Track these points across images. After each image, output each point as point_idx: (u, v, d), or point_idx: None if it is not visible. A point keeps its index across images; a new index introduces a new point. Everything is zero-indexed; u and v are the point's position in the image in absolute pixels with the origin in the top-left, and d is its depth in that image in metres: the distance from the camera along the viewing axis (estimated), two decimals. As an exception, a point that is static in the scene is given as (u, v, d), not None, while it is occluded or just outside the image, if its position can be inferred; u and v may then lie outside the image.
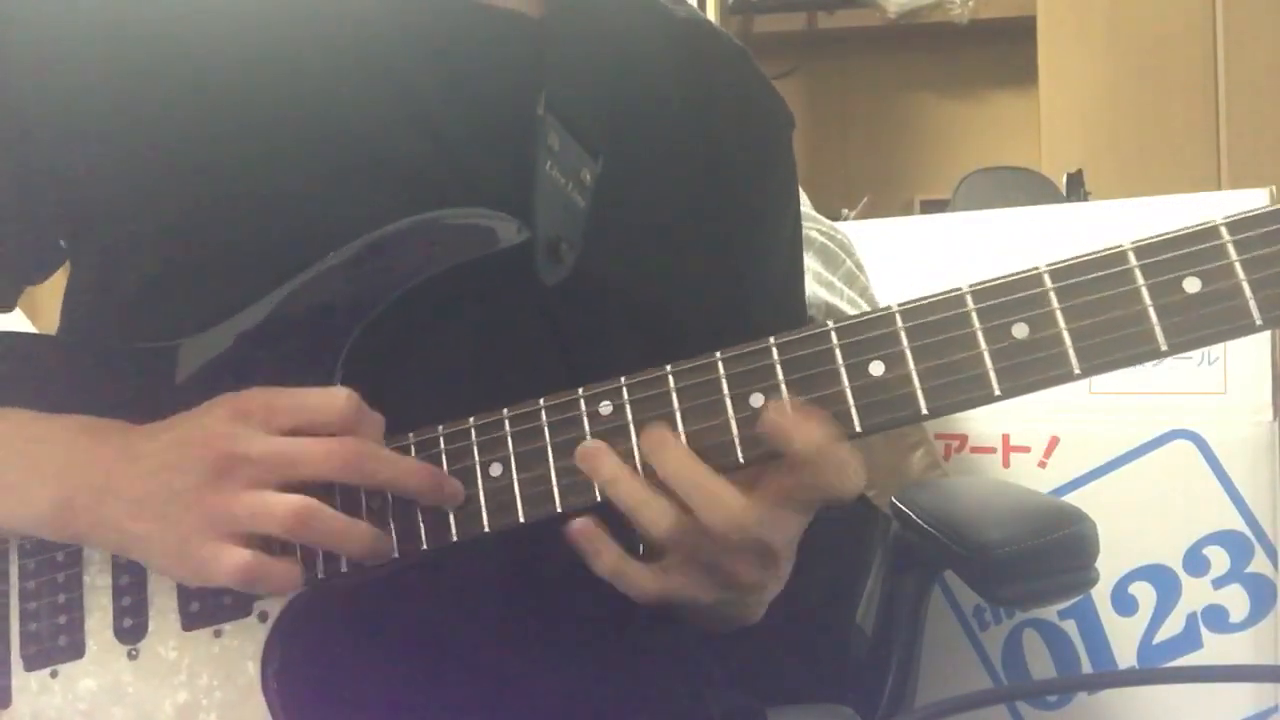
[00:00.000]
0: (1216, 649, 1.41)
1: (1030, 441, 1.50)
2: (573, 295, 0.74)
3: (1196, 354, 1.42)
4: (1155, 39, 2.65)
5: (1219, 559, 1.41)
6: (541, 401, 0.65)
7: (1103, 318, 0.56)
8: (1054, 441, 1.48)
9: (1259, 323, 0.54)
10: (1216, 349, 1.41)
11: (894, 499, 1.25)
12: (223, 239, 0.72)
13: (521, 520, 0.64)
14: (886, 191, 2.87)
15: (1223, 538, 1.41)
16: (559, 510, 0.63)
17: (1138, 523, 1.43)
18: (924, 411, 0.59)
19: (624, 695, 0.78)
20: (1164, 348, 0.55)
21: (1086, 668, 1.46)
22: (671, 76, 0.84)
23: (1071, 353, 0.56)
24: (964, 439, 1.53)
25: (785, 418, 0.60)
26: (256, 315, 0.71)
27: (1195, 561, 1.42)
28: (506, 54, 0.77)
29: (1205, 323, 0.54)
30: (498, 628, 0.73)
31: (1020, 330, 0.57)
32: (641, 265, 0.78)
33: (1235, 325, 0.54)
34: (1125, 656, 1.45)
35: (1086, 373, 0.56)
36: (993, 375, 0.57)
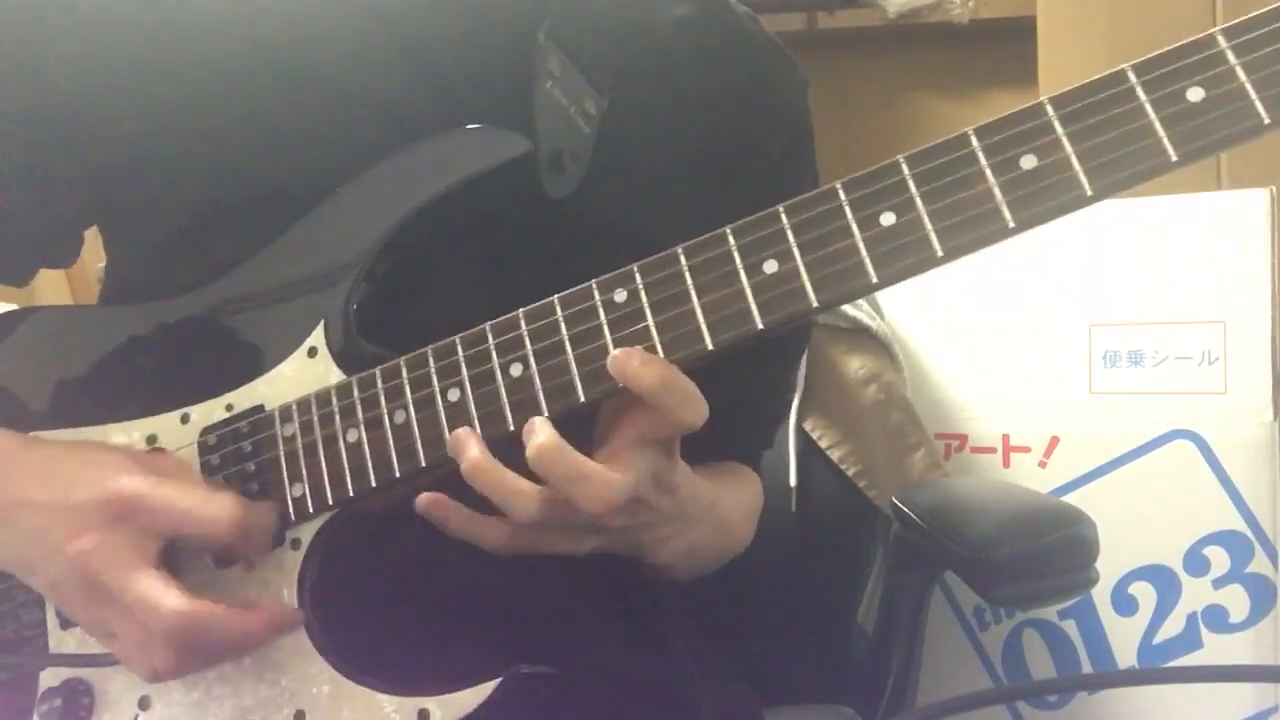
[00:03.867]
0: (1216, 649, 1.40)
1: (1030, 441, 1.50)
2: (579, 222, 0.74)
3: (1197, 354, 1.42)
4: (1155, 39, 2.64)
5: (1219, 559, 1.41)
6: (555, 297, 0.65)
7: (1110, 136, 0.56)
8: (1054, 441, 1.48)
9: (1267, 121, 0.54)
10: (1217, 350, 1.41)
11: (894, 499, 1.25)
12: (228, 190, 0.73)
13: (546, 415, 0.63)
14: (886, 191, 2.86)
15: (1223, 538, 1.41)
16: (582, 400, 0.63)
17: (1138, 523, 1.43)
18: (939, 254, 0.58)
19: (621, 693, 0.78)
20: (1174, 158, 0.55)
21: (1086, 668, 1.46)
22: (676, 34, 0.83)
23: (1082, 175, 0.56)
24: (964, 439, 1.53)
25: (630, 362, 0.61)
26: (265, 257, 0.72)
27: (1195, 561, 1.42)
28: None
29: (1213, 127, 0.54)
30: (518, 587, 0.74)
31: (1029, 161, 0.57)
32: (646, 212, 0.78)
33: (1244, 127, 0.54)
34: (1125, 656, 1.45)
35: (1099, 194, 0.56)
36: (1005, 208, 0.57)
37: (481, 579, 0.73)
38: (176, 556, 0.68)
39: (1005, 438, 1.51)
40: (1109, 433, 1.45)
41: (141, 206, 0.76)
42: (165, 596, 0.63)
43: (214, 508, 0.65)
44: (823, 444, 1.39)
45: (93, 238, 0.85)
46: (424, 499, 0.65)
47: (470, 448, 0.63)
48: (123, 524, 0.64)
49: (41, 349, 0.76)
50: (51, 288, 1.61)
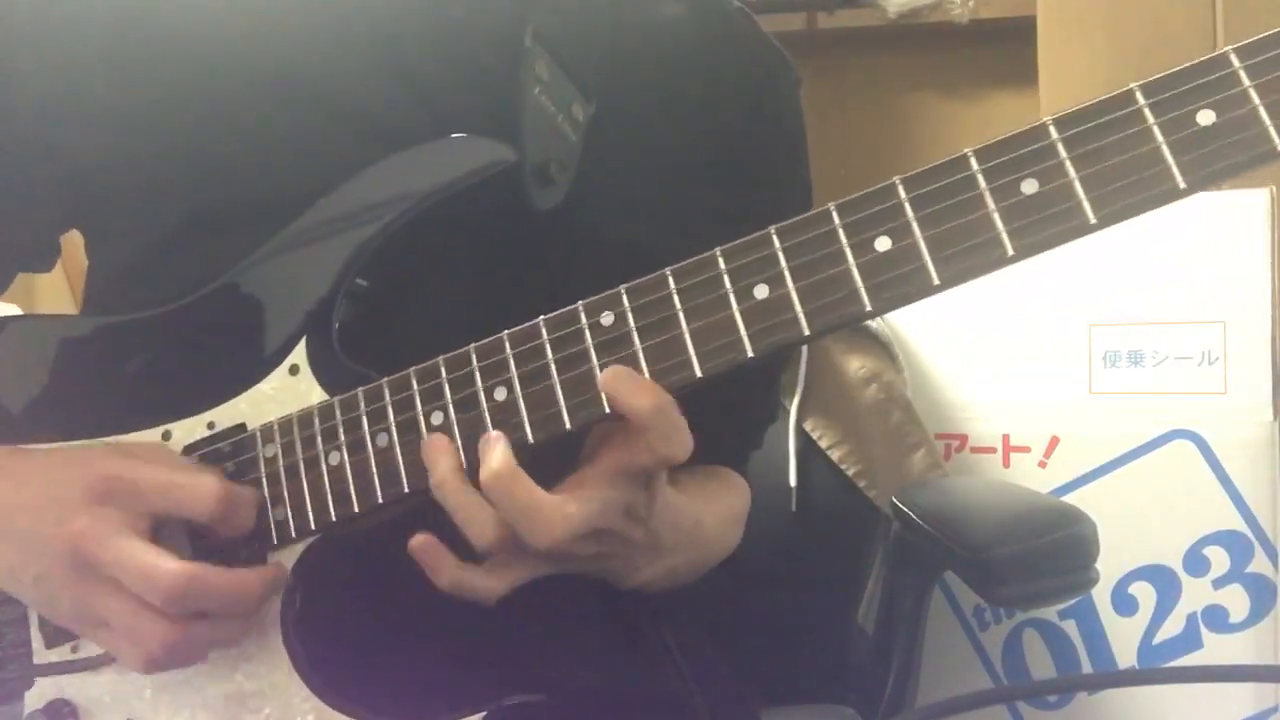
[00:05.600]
0: (1216, 649, 1.41)
1: (1030, 441, 1.50)
2: (566, 234, 0.73)
3: (1197, 354, 1.42)
4: (1155, 39, 2.64)
5: (1219, 559, 1.41)
6: (541, 319, 0.63)
7: (1115, 162, 0.53)
8: (1054, 441, 1.48)
9: None
10: (1217, 350, 1.41)
11: (894, 499, 1.25)
12: (208, 200, 0.72)
13: (530, 441, 0.62)
14: (886, 191, 2.85)
15: (1223, 538, 1.41)
16: (568, 428, 0.62)
17: (1138, 523, 1.43)
18: (936, 283, 0.56)
19: (615, 709, 0.77)
20: (1182, 185, 0.52)
21: (1086, 668, 1.46)
22: (668, 32, 0.82)
23: (1085, 203, 0.54)
24: (964, 439, 1.53)
25: (623, 383, 0.60)
26: (247, 271, 0.71)
27: (1195, 561, 1.42)
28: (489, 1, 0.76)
29: (1223, 154, 0.52)
30: (508, 604, 0.73)
31: (1029, 186, 0.54)
32: (635, 216, 0.77)
33: (1255, 154, 0.52)
34: (1125, 656, 1.45)
35: (1103, 222, 0.54)
36: (1005, 236, 0.55)
37: (461, 607, 0.73)
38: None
39: (1005, 438, 1.51)
40: (1109, 433, 1.46)
41: (120, 215, 0.75)
42: (161, 560, 0.62)
43: (198, 484, 0.64)
44: (823, 444, 1.39)
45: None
46: (416, 543, 0.63)
47: (439, 464, 0.62)
48: (109, 503, 0.64)
49: (21, 359, 0.75)
50: (51, 287, 1.61)
